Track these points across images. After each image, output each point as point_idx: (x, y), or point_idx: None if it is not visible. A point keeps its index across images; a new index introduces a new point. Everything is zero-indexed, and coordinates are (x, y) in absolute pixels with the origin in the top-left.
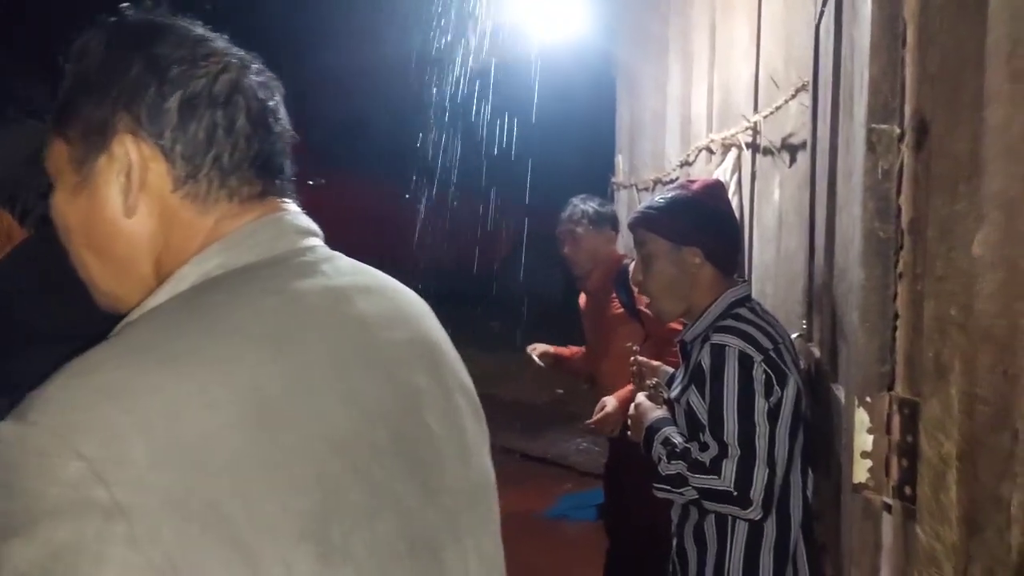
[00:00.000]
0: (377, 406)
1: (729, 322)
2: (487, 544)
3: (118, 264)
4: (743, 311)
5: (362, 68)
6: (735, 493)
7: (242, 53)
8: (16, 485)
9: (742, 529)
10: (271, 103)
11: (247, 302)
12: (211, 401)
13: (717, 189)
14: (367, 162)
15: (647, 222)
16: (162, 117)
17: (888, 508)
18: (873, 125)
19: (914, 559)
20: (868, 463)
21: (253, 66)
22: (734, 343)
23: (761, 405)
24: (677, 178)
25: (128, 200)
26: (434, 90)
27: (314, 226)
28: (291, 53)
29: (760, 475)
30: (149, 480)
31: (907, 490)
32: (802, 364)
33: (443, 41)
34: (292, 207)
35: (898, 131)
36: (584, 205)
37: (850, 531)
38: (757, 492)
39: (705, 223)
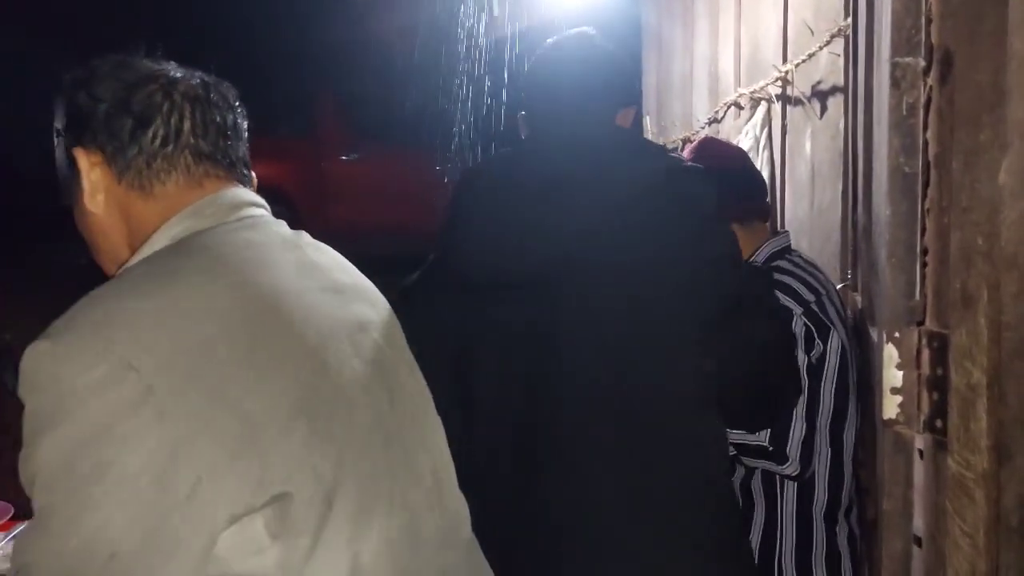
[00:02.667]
0: (334, 324)
1: None
2: (445, 454)
3: (104, 244)
4: (783, 263)
5: (381, 40)
6: (771, 448)
7: (171, 71)
8: (48, 383)
9: (791, 488)
10: (207, 106)
11: (222, 241)
12: (204, 314)
13: (706, 146)
14: (394, 133)
15: None
16: (95, 126)
17: (919, 441)
18: (897, 59)
19: (945, 489)
20: (898, 398)
21: (180, 76)
22: None
23: (800, 359)
24: (706, 135)
25: (92, 197)
26: (456, 58)
27: (261, 200)
28: (313, 26)
29: (797, 430)
30: (172, 364)
31: (937, 423)
32: (848, 314)
33: (463, 7)
34: (241, 186)
35: (923, 64)
36: None
37: (882, 466)
38: (793, 448)
39: None
